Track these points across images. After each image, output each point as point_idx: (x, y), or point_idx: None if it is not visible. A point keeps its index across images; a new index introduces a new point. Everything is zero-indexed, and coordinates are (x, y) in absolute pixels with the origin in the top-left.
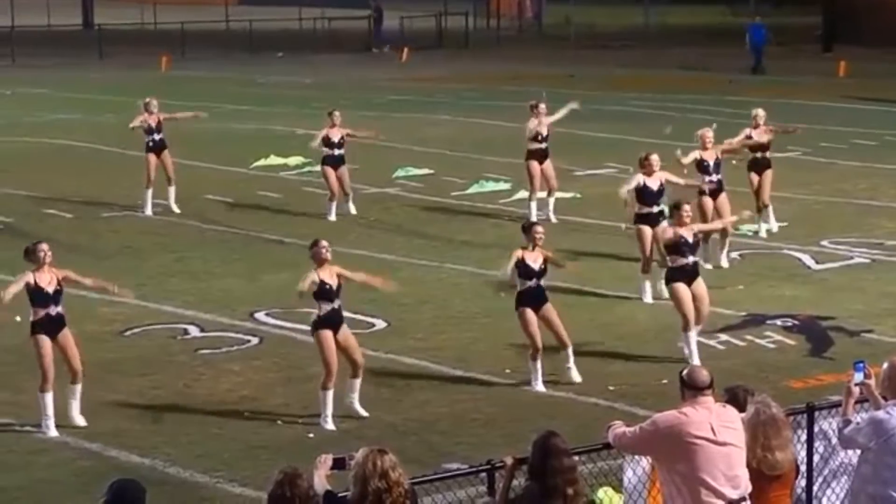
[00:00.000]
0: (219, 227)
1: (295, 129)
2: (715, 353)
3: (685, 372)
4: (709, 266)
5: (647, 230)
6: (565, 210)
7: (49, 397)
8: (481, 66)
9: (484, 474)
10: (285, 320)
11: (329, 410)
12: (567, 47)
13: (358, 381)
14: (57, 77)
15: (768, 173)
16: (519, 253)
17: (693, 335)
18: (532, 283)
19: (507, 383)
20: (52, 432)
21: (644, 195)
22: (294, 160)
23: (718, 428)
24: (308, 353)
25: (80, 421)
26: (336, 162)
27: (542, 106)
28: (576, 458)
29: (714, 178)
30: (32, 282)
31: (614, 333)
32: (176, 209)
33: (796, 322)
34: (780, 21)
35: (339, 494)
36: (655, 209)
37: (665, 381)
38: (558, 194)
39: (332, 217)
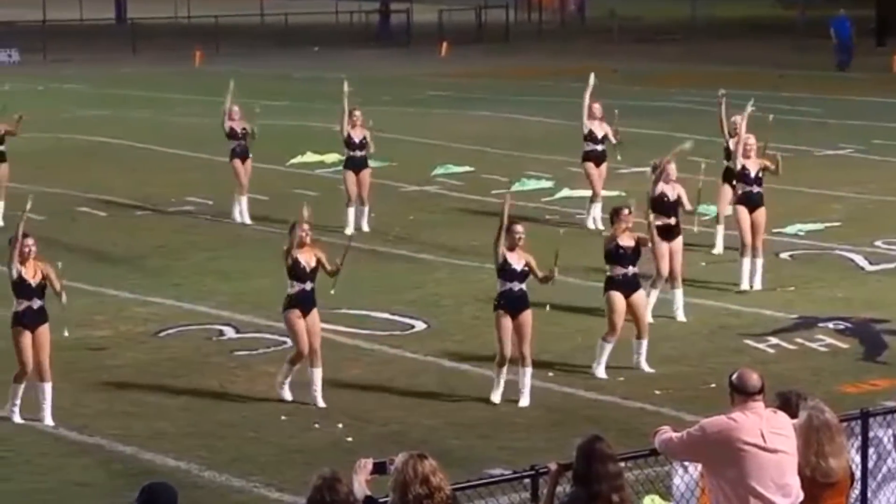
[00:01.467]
0: (254, 226)
1: (332, 126)
2: (765, 356)
3: (735, 376)
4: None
5: (664, 245)
6: (610, 208)
7: (21, 388)
8: (522, 61)
9: (527, 480)
10: (323, 322)
11: (283, 378)
12: (611, 41)
13: (318, 372)
14: (89, 72)
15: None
16: (502, 250)
17: (609, 348)
18: (513, 285)
19: (550, 386)
20: (17, 419)
21: (658, 206)
22: (331, 157)
23: (769, 434)
24: (346, 355)
25: (50, 422)
26: (357, 165)
27: (597, 106)
28: (621, 464)
29: (755, 189)
30: (16, 275)
31: (661, 335)
32: (248, 220)
33: (849, 325)
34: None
35: (380, 500)
36: (673, 221)
37: (713, 386)
38: (602, 192)
39: (350, 230)
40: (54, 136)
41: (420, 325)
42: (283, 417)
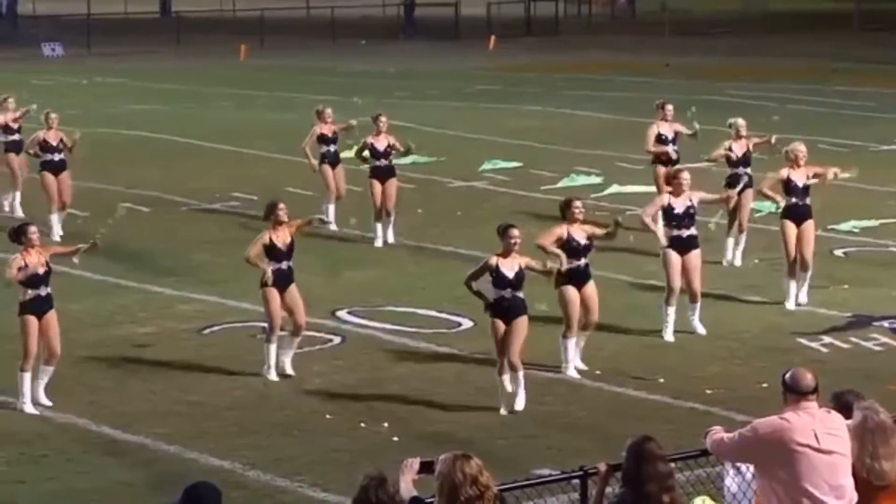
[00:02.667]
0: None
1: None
2: (818, 355)
3: (788, 375)
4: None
5: (675, 257)
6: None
7: (28, 377)
8: (572, 55)
9: (576, 481)
10: (369, 319)
11: (272, 362)
12: (662, 34)
13: (296, 340)
14: (133, 66)
15: (748, 193)
16: (493, 260)
17: (572, 342)
18: (506, 292)
19: (598, 385)
20: (30, 409)
21: (669, 216)
22: None
23: (822, 435)
24: (392, 353)
25: (45, 401)
26: (383, 174)
27: (670, 106)
28: (672, 464)
29: (802, 201)
30: (23, 264)
31: (713, 334)
32: (333, 225)
33: None
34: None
35: (427, 500)
36: (685, 233)
37: (765, 385)
38: (646, 188)
39: (379, 242)
40: (98, 130)
41: (467, 323)
42: (327, 416)
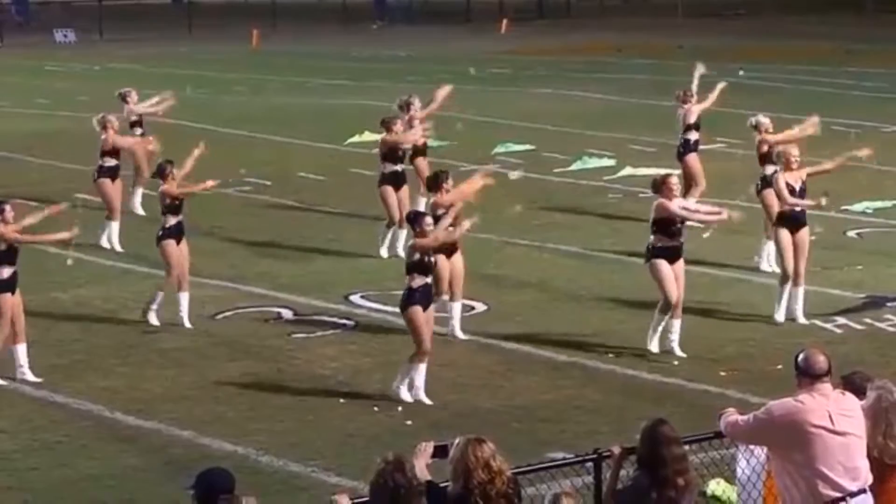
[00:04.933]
0: (312, 207)
1: (390, 105)
2: (832, 336)
3: (801, 357)
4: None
5: (668, 266)
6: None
7: None
8: (584, 37)
9: (590, 464)
10: (382, 303)
11: (156, 305)
12: (675, 16)
13: (185, 296)
14: (146, 52)
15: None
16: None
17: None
18: (429, 279)
19: (612, 368)
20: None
21: (663, 225)
22: None
23: (837, 417)
24: (405, 337)
25: (32, 377)
26: (399, 181)
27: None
28: (686, 447)
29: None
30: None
31: (727, 316)
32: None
33: None
34: None
35: (441, 484)
36: (677, 242)
37: (780, 367)
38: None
39: (385, 252)
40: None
41: (480, 307)
42: (341, 401)
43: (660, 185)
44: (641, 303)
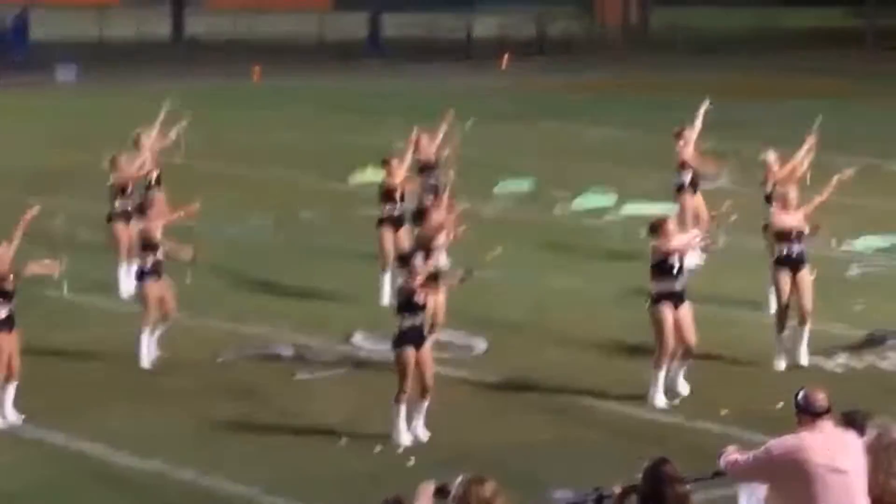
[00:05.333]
0: (315, 245)
1: (393, 141)
2: (833, 375)
3: (801, 396)
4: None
5: (669, 313)
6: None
7: None
8: (584, 73)
9: (591, 502)
10: (384, 343)
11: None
12: (675, 52)
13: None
14: (146, 89)
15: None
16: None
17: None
18: (418, 320)
19: (612, 407)
20: None
21: (661, 269)
22: None
23: (837, 455)
24: None
25: (13, 418)
26: (398, 223)
27: (687, 131)
28: (688, 486)
29: (796, 246)
30: None
31: (729, 354)
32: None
33: None
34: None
35: None
36: (679, 285)
37: (780, 405)
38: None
39: (387, 301)
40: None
41: (479, 346)
42: (342, 441)
43: (657, 229)
44: (641, 341)
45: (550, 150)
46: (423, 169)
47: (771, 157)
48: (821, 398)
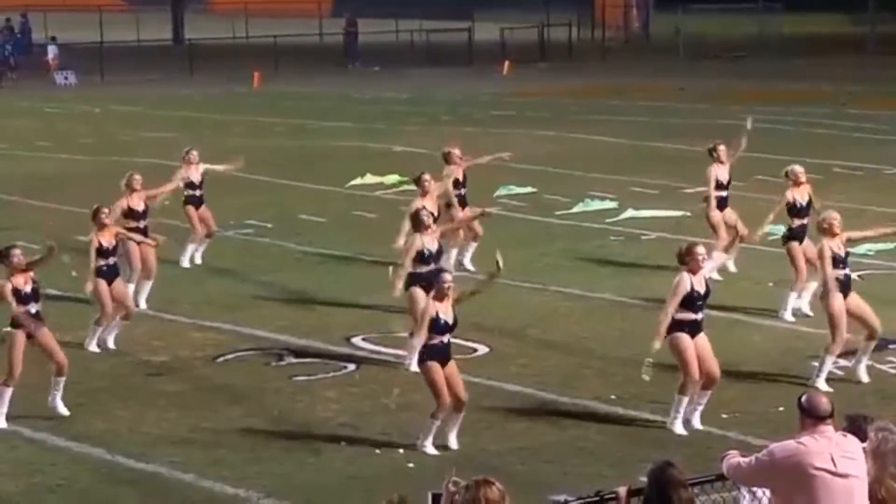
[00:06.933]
0: (314, 249)
1: (392, 146)
2: (834, 378)
3: (804, 399)
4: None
5: (689, 341)
6: (675, 229)
7: (9, 393)
8: (586, 79)
9: None
10: (383, 345)
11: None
12: (676, 58)
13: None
14: (146, 94)
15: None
16: (432, 309)
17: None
18: (445, 338)
19: (614, 410)
20: (2, 423)
21: (688, 299)
22: (391, 178)
23: (839, 459)
24: (407, 379)
25: (63, 411)
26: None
27: (722, 148)
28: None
29: (844, 271)
30: (11, 286)
31: (731, 358)
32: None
33: None
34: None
35: None
36: (700, 315)
37: (781, 409)
38: (668, 213)
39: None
40: (111, 159)
41: (483, 349)
42: (342, 443)
43: (684, 256)
44: (643, 345)
45: (551, 155)
46: (455, 184)
47: (798, 169)
48: (824, 402)
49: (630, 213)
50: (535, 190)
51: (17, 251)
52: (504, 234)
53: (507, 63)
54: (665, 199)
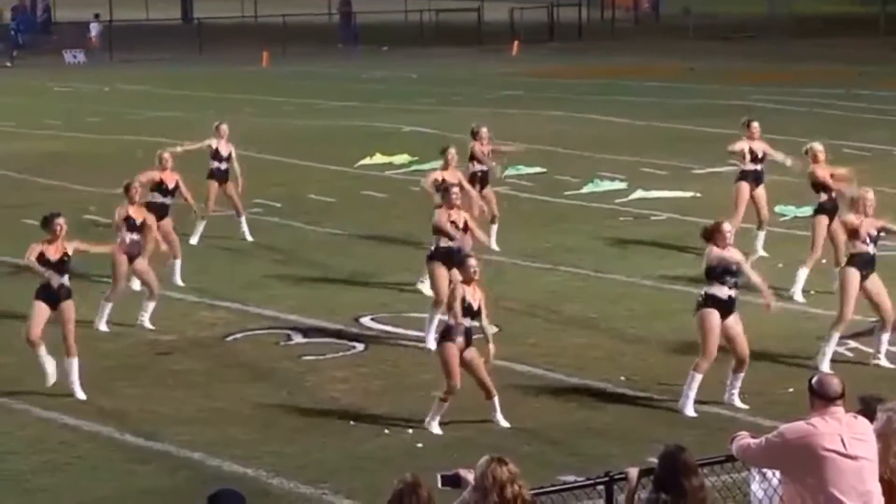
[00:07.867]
0: (323, 229)
1: (401, 126)
2: (844, 360)
3: (815, 381)
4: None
5: (717, 319)
6: (686, 210)
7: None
8: (595, 60)
9: (601, 487)
10: (392, 325)
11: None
12: (686, 39)
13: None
14: (155, 73)
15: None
16: (461, 290)
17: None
18: (467, 322)
19: (624, 391)
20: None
21: (716, 273)
22: (400, 158)
23: (849, 440)
24: (415, 359)
25: (80, 395)
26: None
27: (755, 124)
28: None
29: (871, 249)
30: (39, 252)
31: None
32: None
33: None
34: None
35: None
36: (734, 292)
37: (791, 390)
38: (678, 193)
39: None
40: (120, 137)
41: (492, 329)
42: (351, 423)
43: (712, 233)
44: (652, 326)
45: (560, 136)
46: (478, 161)
47: (818, 147)
48: (835, 384)
49: (639, 193)
50: (544, 170)
51: (60, 220)
52: (513, 215)
53: (516, 43)
54: (674, 180)
